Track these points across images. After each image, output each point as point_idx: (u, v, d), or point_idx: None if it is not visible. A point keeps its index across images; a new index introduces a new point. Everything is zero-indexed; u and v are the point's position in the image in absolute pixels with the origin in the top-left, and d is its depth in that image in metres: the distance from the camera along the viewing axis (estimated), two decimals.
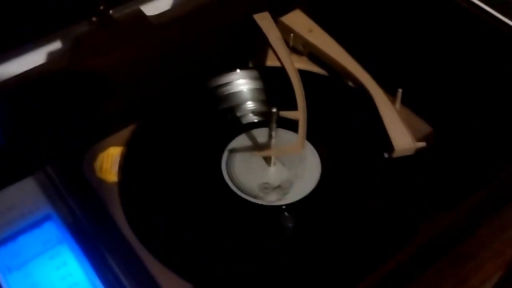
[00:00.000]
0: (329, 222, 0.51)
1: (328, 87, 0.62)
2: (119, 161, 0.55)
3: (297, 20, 0.66)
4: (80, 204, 0.52)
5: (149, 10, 0.59)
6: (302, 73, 0.61)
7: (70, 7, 0.53)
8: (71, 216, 0.51)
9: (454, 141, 0.56)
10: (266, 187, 0.53)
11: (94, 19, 0.52)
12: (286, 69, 0.59)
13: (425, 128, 0.60)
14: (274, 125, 0.52)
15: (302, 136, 0.53)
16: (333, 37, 0.64)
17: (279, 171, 0.55)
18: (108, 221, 0.52)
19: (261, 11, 0.64)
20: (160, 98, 0.60)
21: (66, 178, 0.54)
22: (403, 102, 0.60)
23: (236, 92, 0.60)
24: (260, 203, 0.52)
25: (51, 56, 0.51)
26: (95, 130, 0.58)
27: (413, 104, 0.60)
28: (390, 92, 0.60)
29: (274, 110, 0.51)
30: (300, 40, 0.64)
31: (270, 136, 0.53)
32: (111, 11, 0.53)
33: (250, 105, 0.60)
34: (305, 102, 0.56)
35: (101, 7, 0.52)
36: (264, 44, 0.63)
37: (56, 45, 0.52)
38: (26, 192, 0.52)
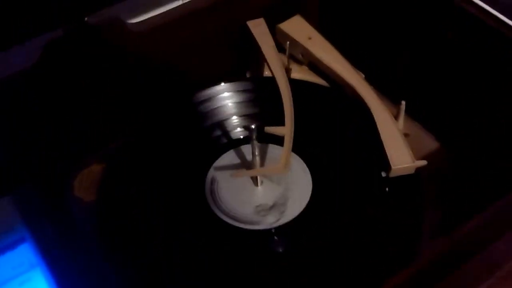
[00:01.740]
0: (326, 238, 0.47)
1: (326, 98, 0.57)
2: (100, 179, 0.53)
3: (296, 26, 0.61)
4: (57, 226, 0.50)
5: (130, 17, 0.55)
6: (298, 83, 0.58)
7: (44, 14, 0.50)
8: (47, 239, 0.49)
9: (460, 152, 0.53)
10: (260, 210, 0.49)
11: (68, 26, 0.49)
12: (277, 80, 0.55)
13: (432, 144, 0.56)
14: (255, 143, 0.48)
15: (286, 155, 0.49)
16: (337, 42, 0.59)
17: (269, 189, 0.50)
18: (84, 245, 0.50)
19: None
20: (144, 114, 0.56)
21: (44, 198, 0.53)
22: (411, 114, 0.56)
23: (222, 106, 0.56)
24: (255, 228, 0.48)
25: (22, 67, 0.49)
26: (77, 148, 0.55)
27: (418, 113, 0.56)
28: (395, 102, 0.56)
29: (253, 126, 0.47)
30: (299, 48, 0.60)
31: (253, 155, 0.49)
32: (86, 18, 0.50)
33: (238, 119, 0.56)
34: (293, 118, 0.51)
35: (74, 14, 0.49)
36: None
37: (28, 54, 0.49)
38: (2, 212, 0.51)
